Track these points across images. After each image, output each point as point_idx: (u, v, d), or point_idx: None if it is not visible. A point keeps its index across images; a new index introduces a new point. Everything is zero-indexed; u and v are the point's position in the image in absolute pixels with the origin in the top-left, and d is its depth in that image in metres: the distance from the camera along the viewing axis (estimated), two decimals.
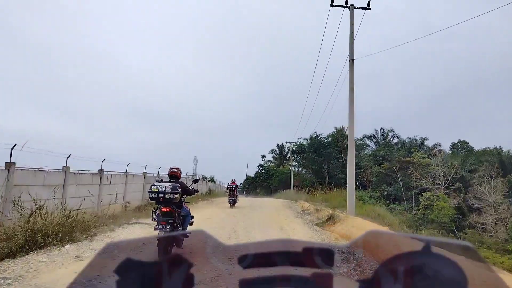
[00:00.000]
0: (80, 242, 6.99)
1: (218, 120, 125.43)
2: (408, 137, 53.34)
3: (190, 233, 5.28)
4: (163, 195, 5.92)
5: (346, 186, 37.08)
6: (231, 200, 18.10)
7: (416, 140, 51.89)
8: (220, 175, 73.30)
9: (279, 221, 12.56)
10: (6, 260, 5.54)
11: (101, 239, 7.47)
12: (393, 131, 54.46)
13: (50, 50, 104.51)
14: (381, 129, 55.17)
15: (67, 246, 6.56)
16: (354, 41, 13.86)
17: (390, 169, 42.46)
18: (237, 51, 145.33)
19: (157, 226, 5.99)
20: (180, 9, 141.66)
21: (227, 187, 19.44)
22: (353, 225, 10.75)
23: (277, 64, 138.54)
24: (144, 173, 15.55)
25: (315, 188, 41.78)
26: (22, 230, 6.18)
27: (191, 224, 6.97)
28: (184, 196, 6.56)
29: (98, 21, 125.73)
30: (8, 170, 7.24)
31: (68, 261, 5.69)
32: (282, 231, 9.85)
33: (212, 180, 40.82)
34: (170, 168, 6.80)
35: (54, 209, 7.34)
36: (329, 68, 18.27)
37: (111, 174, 12.10)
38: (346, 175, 45.60)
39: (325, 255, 0.63)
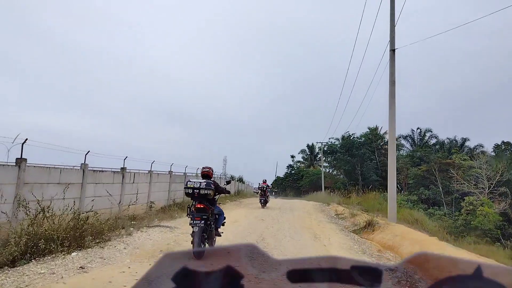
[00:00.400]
0: (89, 249, 6.27)
1: (247, 120, 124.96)
2: (448, 138, 50.41)
3: (223, 232, 6.57)
4: (198, 190, 6.17)
5: (381, 189, 35.51)
6: (262, 200, 18.07)
7: (456, 141, 48.92)
8: (249, 175, 73.07)
9: (311, 226, 11.49)
10: (5, 268, 4.86)
11: (114, 245, 6.73)
12: (431, 131, 51.80)
13: (87, 54, 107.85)
14: (417, 129, 52.61)
15: (73, 254, 5.86)
16: (395, 29, 12.52)
17: (428, 171, 40.19)
18: (266, 52, 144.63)
19: (191, 222, 6.08)
20: (214, 13, 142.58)
21: (258, 187, 19.41)
22: (396, 233, 9.53)
23: (308, 64, 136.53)
24: (170, 172, 14.92)
25: (348, 190, 40.37)
26: (21, 234, 5.50)
27: (223, 224, 7.07)
28: (217, 195, 6.71)
29: (130, 26, 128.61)
30: (19, 167, 6.63)
31: (70, 273, 4.93)
32: (316, 240, 8.78)
33: (240, 180, 40.01)
34: (203, 168, 6.94)
35: (67, 210, 6.69)
36: (365, 65, 16.99)
37: (134, 173, 11.46)
38: (381, 177, 43.65)
39: (373, 274, 0.63)
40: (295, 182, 60.83)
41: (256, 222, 11.71)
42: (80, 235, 6.35)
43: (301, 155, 68.08)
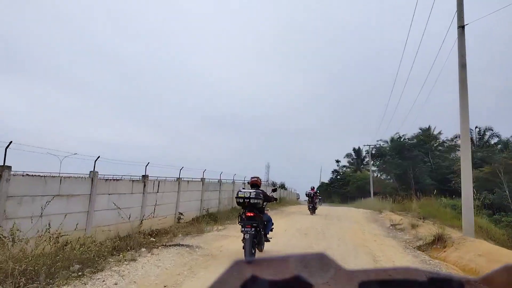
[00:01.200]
0: (64, 287, 4.59)
1: (290, 126, 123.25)
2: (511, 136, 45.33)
3: (271, 237, 7.18)
4: (248, 200, 6.63)
5: (435, 194, 31.92)
6: (310, 207, 18.86)
7: None
8: (292, 181, 71.34)
9: (365, 242, 9.56)
10: None
11: (103, 279, 5.01)
12: (492, 130, 46.90)
13: (140, 67, 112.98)
14: (476, 127, 47.84)
15: None
16: (464, 4, 10.43)
17: (492, 173, 36.22)
18: (308, 54, 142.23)
19: (242, 229, 6.43)
20: (254, 19, 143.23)
21: (306, 194, 19.97)
22: (479, 252, 7.42)
23: (352, 64, 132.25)
24: (203, 179, 13.73)
25: (400, 195, 37.36)
26: None
27: (271, 230, 7.50)
28: (265, 203, 7.06)
29: (177, 38, 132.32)
30: (0, 176, 5.45)
31: None
32: (376, 263, 6.82)
33: (282, 186, 38.18)
34: (251, 178, 7.48)
35: (46, 232, 5.51)
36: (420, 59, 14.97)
37: (159, 181, 10.30)
38: (436, 180, 39.80)
39: (453, 287, 0.58)
40: (341, 188, 57.98)
41: (297, 238, 9.78)
42: (51, 266, 4.81)
43: (346, 159, 65.03)
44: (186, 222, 11.51)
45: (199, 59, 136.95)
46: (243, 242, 6.42)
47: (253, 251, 6.48)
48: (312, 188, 19.89)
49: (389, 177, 49.70)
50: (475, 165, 38.67)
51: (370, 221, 16.25)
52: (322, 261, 0.63)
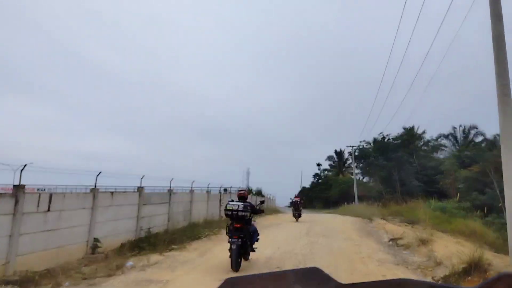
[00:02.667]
0: None
1: (272, 131, 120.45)
2: (497, 134, 43.47)
3: (257, 248, 7.84)
4: (236, 212, 7.08)
5: (424, 196, 29.25)
6: (296, 214, 19.43)
7: None
8: (272, 186, 67.65)
9: (371, 278, 6.29)
10: None
11: None
12: (476, 128, 45.07)
13: (122, 78, 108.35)
14: (460, 126, 45.95)
15: None
16: None
17: (481, 173, 34.05)
18: (289, 59, 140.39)
19: (230, 240, 6.85)
20: (242, 26, 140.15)
21: (291, 202, 20.62)
22: None
23: (336, 70, 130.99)
24: (140, 189, 10.25)
25: (386, 199, 34.81)
26: None
27: (257, 240, 7.80)
28: (252, 215, 7.44)
29: (160, 50, 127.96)
30: None
31: None
32: None
33: (259, 193, 34.54)
34: (239, 190, 8.38)
35: None
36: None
37: (50, 194, 6.78)
38: (422, 182, 36.68)
39: None
40: (323, 192, 55.04)
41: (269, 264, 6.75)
42: None
43: (328, 162, 62.22)
44: (111, 250, 8.04)
45: (175, 65, 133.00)
46: (230, 252, 6.81)
47: (239, 260, 6.89)
48: (296, 196, 20.92)
49: (373, 179, 47.13)
50: (463, 165, 36.52)
51: (363, 234, 13.04)
52: (316, 275, 0.63)
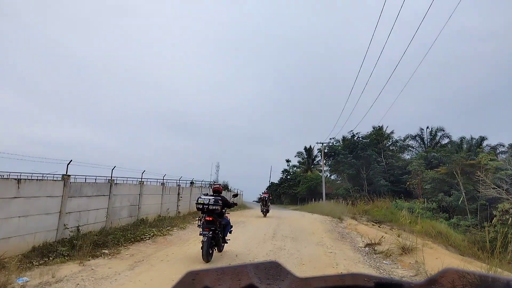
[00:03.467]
0: None
1: (242, 127, 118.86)
2: (462, 137, 44.08)
3: (229, 239, 8.29)
4: (207, 206, 7.24)
5: (390, 196, 28.62)
6: (264, 210, 19.52)
7: (472, 140, 42.58)
8: (242, 181, 66.46)
9: None
10: None
11: None
12: (443, 130, 45.54)
13: (90, 66, 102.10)
14: (427, 128, 46.28)
15: None
16: None
17: (448, 174, 34.15)
18: (263, 58, 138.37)
19: (201, 232, 7.05)
20: (212, 23, 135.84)
21: (260, 198, 21.02)
22: None
23: (308, 69, 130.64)
24: (65, 177, 8.23)
25: (353, 197, 34.20)
26: None
27: (230, 232, 8.20)
28: (225, 208, 7.71)
29: (130, 41, 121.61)
30: None
31: None
32: None
33: (225, 188, 32.54)
34: (213, 184, 8.91)
35: None
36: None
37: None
38: (389, 181, 36.35)
39: None
40: (291, 188, 54.08)
41: None
42: None
43: (297, 158, 61.27)
44: (14, 257, 6.08)
45: (150, 59, 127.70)
46: (201, 244, 6.97)
47: (210, 251, 7.03)
48: (265, 192, 20.48)
49: (341, 177, 46.58)
50: (430, 166, 36.50)
51: (336, 237, 11.61)
52: (276, 269, 0.65)
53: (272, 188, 56.82)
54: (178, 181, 17.73)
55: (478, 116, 77.28)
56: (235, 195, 9.34)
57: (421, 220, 16.29)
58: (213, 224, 7.08)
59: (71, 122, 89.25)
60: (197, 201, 7.35)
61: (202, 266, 6.49)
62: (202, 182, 24.56)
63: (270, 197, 20.85)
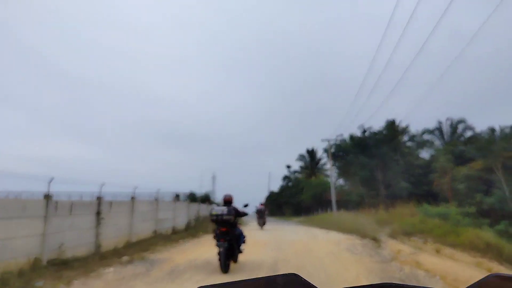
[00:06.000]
0: None
1: (238, 135, 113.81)
2: (490, 128, 37.86)
3: (244, 249, 8.22)
4: (221, 217, 7.26)
5: (413, 199, 22.88)
6: (260, 222, 20.50)
7: (504, 130, 36.37)
8: (239, 192, 60.17)
9: None
10: None
11: None
12: (464, 122, 39.34)
13: (80, 79, 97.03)
14: (447, 120, 40.11)
15: None
16: None
17: (484, 170, 28.13)
18: (256, 64, 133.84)
19: (217, 243, 7.09)
20: (207, 31, 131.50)
21: (256, 210, 21.40)
22: None
23: (305, 72, 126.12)
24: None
25: (368, 204, 28.70)
26: None
27: (244, 242, 7.99)
28: (237, 218, 7.63)
29: (121, 53, 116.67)
30: None
31: None
32: None
33: (206, 199, 25.44)
34: (225, 196, 7.98)
35: None
36: None
37: None
38: (410, 182, 28.79)
39: None
40: (293, 197, 47.67)
41: None
42: None
43: (299, 163, 54.80)
44: None
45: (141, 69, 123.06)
46: (218, 255, 7.01)
47: (227, 262, 7.03)
48: (261, 204, 21.60)
49: (349, 182, 40.28)
50: (460, 162, 30.38)
51: None
52: (294, 282, 0.62)
53: (272, 197, 50.68)
54: (156, 194, 11.89)
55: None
56: (246, 205, 8.96)
57: (462, 230, 13.44)
58: (228, 234, 7.14)
59: (55, 135, 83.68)
60: (211, 212, 7.43)
61: (220, 277, 6.31)
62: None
63: (266, 210, 21.90)
